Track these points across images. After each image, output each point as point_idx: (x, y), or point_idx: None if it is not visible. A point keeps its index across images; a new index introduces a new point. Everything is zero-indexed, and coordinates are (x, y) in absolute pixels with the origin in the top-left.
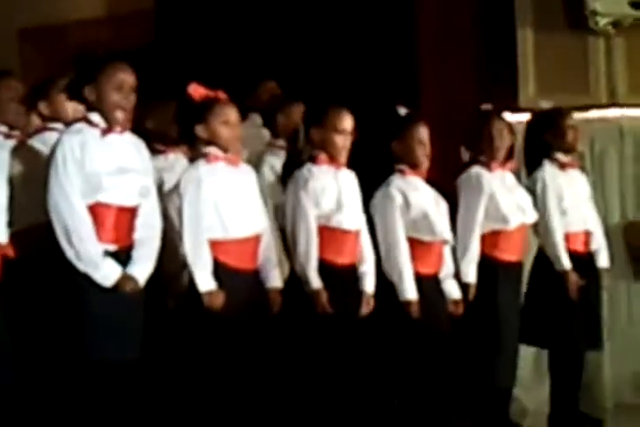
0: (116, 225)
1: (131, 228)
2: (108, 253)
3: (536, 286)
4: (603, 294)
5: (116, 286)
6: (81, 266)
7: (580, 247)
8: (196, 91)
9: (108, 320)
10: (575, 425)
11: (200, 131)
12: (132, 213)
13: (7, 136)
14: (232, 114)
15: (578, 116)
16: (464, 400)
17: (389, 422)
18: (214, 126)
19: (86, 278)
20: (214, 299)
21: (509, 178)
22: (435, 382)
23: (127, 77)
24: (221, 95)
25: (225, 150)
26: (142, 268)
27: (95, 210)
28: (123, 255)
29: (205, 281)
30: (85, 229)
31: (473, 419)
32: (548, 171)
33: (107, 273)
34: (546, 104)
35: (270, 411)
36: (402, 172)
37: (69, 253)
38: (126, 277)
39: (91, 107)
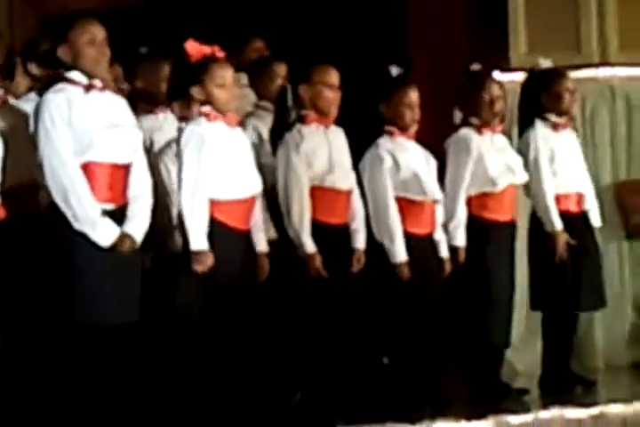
0: (111, 183)
1: (125, 186)
2: (105, 213)
3: (532, 247)
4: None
5: (114, 246)
6: (78, 226)
7: (572, 207)
8: (193, 48)
9: (104, 281)
10: (567, 386)
11: (196, 92)
12: (125, 170)
13: None
14: (228, 75)
15: (569, 75)
16: (455, 360)
17: (380, 381)
18: (210, 89)
19: (82, 238)
20: (204, 259)
21: (499, 139)
22: (425, 341)
23: (98, 31)
24: (218, 53)
25: (222, 112)
26: (138, 225)
27: (88, 169)
28: (119, 214)
29: (198, 240)
30: (81, 189)
31: (463, 379)
32: (540, 132)
33: (104, 233)
34: (545, 63)
35: (262, 372)
36: (390, 133)
37: (67, 213)
38: (123, 236)
39: (68, 67)
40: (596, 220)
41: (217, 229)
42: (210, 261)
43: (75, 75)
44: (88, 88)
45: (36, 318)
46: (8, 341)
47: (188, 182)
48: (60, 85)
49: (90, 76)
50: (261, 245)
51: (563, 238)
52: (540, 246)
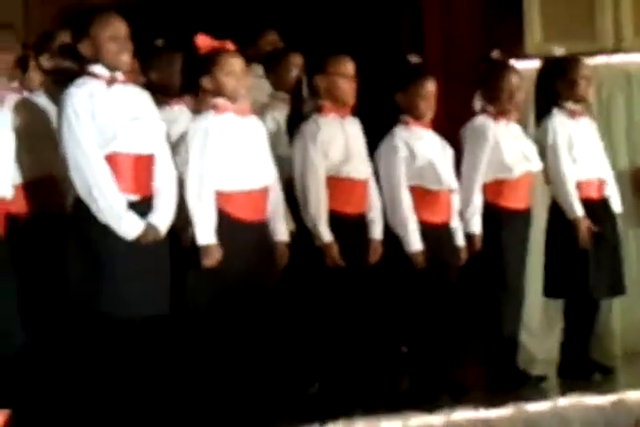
0: (135, 174)
1: (150, 176)
2: (130, 204)
3: (551, 236)
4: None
5: (139, 239)
6: (103, 218)
7: (593, 194)
8: (204, 42)
9: (132, 273)
10: (585, 373)
11: (206, 82)
12: (149, 161)
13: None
14: (237, 64)
15: (584, 62)
16: (473, 348)
17: (399, 370)
18: (219, 78)
19: (108, 230)
20: (211, 253)
21: (514, 128)
22: (443, 330)
23: (120, 26)
24: (229, 46)
25: (233, 101)
26: (163, 216)
27: (113, 160)
28: (145, 205)
29: (205, 234)
30: (106, 182)
31: (481, 368)
32: (558, 119)
33: (129, 226)
34: (559, 51)
35: (279, 362)
36: (406, 122)
37: (92, 206)
38: (148, 228)
39: (90, 60)
40: (617, 206)
41: (226, 222)
42: (218, 255)
43: (97, 68)
44: (110, 81)
45: (65, 312)
46: (36, 335)
47: (193, 177)
48: (83, 79)
49: (112, 69)
50: (281, 234)
51: (584, 225)
52: (560, 234)
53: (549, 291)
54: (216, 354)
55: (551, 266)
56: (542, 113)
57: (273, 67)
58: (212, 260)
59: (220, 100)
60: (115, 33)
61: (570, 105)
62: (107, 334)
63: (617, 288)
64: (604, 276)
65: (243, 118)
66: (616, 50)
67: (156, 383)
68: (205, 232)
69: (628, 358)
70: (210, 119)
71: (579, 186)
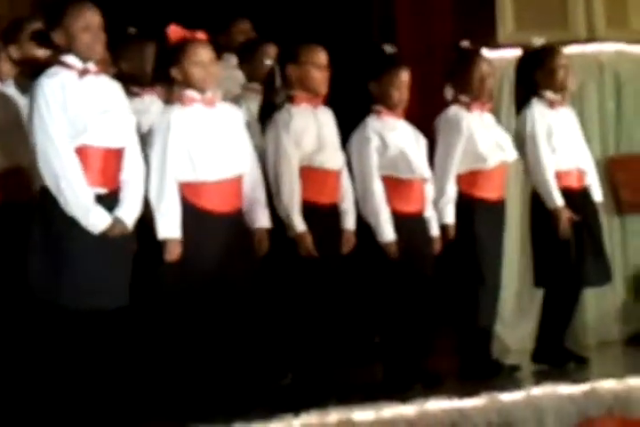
0: (104, 167)
1: (118, 170)
2: (98, 197)
3: (534, 226)
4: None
5: (105, 232)
6: (69, 211)
7: (573, 184)
8: (175, 32)
9: (95, 266)
10: (559, 362)
11: (175, 73)
12: (118, 154)
13: None
14: (204, 53)
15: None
16: (446, 339)
17: (372, 360)
18: (188, 68)
19: (73, 223)
20: (171, 248)
21: (487, 117)
22: (416, 320)
23: (93, 17)
24: (199, 36)
25: (201, 91)
26: (130, 210)
27: (82, 153)
28: (112, 198)
29: (165, 228)
30: (74, 174)
31: (455, 357)
32: (537, 109)
33: (96, 220)
34: (538, 41)
35: (252, 353)
36: (378, 112)
37: (59, 199)
38: (115, 222)
39: (62, 50)
40: (597, 194)
41: (195, 214)
42: (178, 250)
43: (69, 59)
44: (83, 72)
45: (27, 304)
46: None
47: (155, 171)
48: (55, 69)
49: (85, 60)
50: (261, 221)
51: (565, 215)
52: (542, 224)
53: (537, 280)
54: (189, 345)
55: (536, 256)
56: (522, 103)
57: (247, 57)
58: (172, 254)
59: (187, 92)
60: (88, 23)
61: (549, 94)
62: (67, 325)
63: (603, 277)
64: (589, 265)
65: (211, 109)
66: (589, 39)
67: (128, 375)
68: (166, 226)
69: (600, 347)
70: (174, 112)
71: (558, 175)
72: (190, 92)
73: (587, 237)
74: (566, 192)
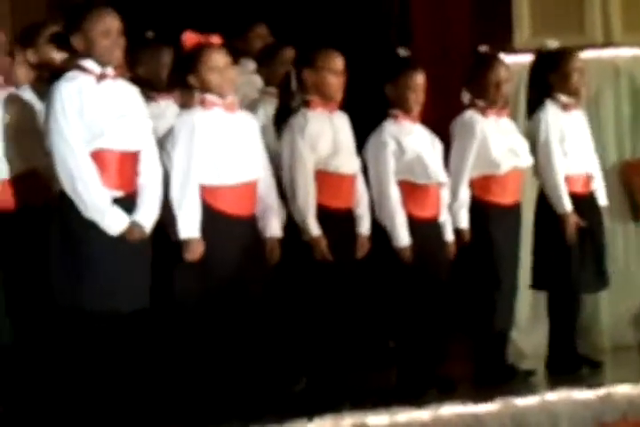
0: (120, 171)
1: (135, 173)
2: (114, 200)
3: (538, 228)
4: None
5: (123, 235)
6: (87, 214)
7: (580, 189)
8: (190, 39)
9: (114, 268)
10: (574, 367)
11: (192, 80)
12: (134, 157)
13: None
14: (220, 58)
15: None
16: (460, 344)
17: (386, 365)
18: (203, 74)
19: (92, 226)
20: (193, 247)
21: (505, 123)
22: (431, 325)
23: (113, 22)
24: (214, 40)
25: (221, 96)
26: (147, 213)
27: (98, 156)
28: (129, 201)
29: (186, 228)
30: (90, 177)
31: (469, 362)
32: (551, 112)
33: (113, 221)
34: (552, 44)
35: (267, 358)
36: (395, 117)
37: (76, 201)
38: (133, 225)
39: (81, 55)
40: (602, 199)
41: (213, 216)
42: (200, 249)
43: (88, 63)
44: (101, 77)
45: (48, 308)
46: (20, 330)
47: (179, 171)
48: (72, 74)
49: (103, 64)
50: (275, 230)
51: (573, 220)
52: (547, 228)
53: (535, 282)
54: (204, 349)
55: (537, 258)
56: (535, 106)
57: (266, 62)
58: (193, 254)
59: (208, 96)
60: (108, 28)
61: (563, 98)
62: (90, 328)
63: (600, 284)
64: (587, 271)
65: (231, 114)
66: (605, 44)
67: (143, 379)
68: (187, 226)
69: (615, 352)
70: (197, 114)
71: (567, 180)
72: (211, 97)
73: (589, 243)
74: (573, 197)
